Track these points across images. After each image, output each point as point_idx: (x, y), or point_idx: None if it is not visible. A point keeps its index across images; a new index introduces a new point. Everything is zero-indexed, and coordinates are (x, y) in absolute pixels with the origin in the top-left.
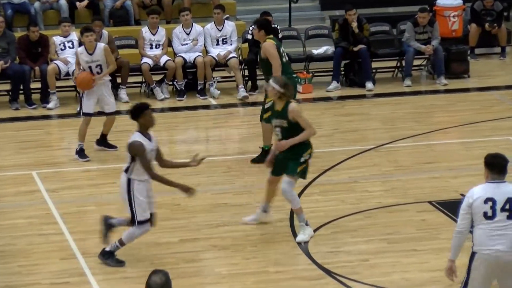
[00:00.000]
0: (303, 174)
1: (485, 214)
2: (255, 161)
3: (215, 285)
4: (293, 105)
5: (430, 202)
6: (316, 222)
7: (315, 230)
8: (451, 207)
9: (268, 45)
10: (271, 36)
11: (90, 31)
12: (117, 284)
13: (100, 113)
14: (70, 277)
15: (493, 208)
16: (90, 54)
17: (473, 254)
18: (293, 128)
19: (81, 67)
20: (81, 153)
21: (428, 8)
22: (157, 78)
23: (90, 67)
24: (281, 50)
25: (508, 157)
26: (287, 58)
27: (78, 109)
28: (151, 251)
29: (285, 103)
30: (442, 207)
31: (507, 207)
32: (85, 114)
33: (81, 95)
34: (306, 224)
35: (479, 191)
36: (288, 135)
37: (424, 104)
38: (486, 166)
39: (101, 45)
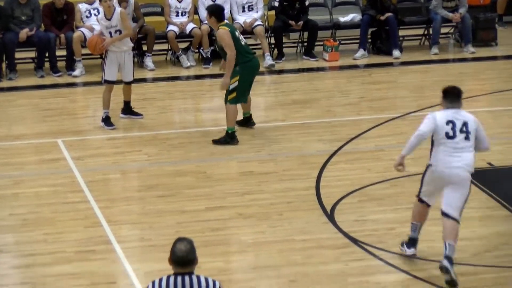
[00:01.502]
0: None
1: (447, 134)
2: (217, 142)
3: (241, 254)
4: None
5: None
6: (342, 191)
7: (341, 199)
8: (478, 176)
9: (222, 33)
10: (225, 22)
11: None
12: (142, 252)
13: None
14: (95, 245)
15: (453, 129)
16: (109, 20)
17: (429, 166)
18: None
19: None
20: (107, 121)
21: None
22: (183, 45)
23: (110, 33)
24: (237, 34)
25: None
26: (244, 41)
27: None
28: (176, 219)
29: None
30: None
31: (464, 129)
32: (107, 82)
33: (103, 62)
34: None
35: (441, 114)
36: None
37: (451, 72)
38: (443, 96)
39: (118, 9)
